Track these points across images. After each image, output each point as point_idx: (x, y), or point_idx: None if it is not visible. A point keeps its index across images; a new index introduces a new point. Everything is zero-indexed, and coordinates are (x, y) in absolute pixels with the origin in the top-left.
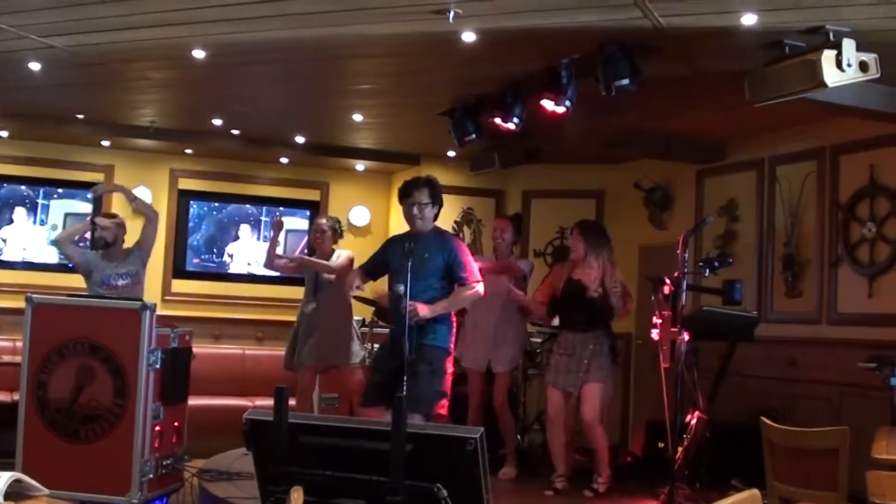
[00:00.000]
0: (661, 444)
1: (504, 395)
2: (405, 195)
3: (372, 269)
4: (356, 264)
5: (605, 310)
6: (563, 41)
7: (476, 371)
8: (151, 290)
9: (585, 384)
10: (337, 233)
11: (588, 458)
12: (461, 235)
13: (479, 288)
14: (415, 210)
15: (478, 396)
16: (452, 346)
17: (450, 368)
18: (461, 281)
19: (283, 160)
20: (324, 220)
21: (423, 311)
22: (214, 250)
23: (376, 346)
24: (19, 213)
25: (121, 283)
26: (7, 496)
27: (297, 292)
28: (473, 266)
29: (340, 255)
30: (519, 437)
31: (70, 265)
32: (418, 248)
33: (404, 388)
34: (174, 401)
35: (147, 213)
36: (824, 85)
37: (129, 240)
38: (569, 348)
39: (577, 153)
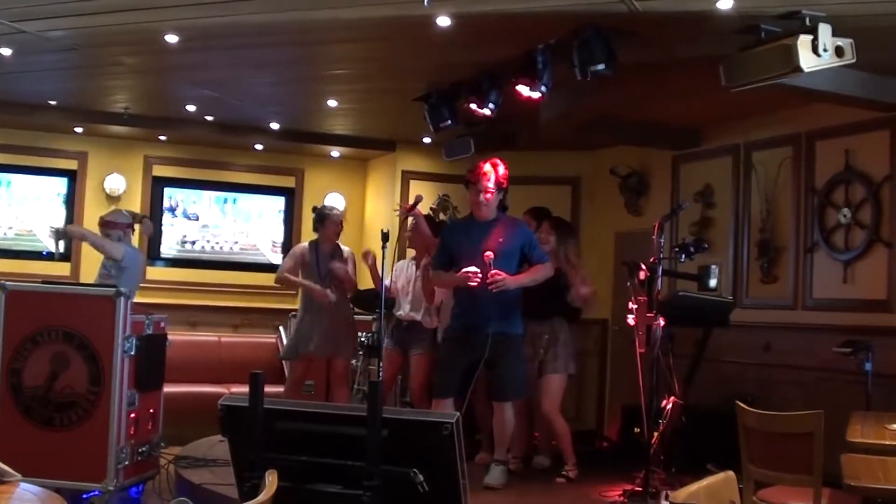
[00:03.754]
0: (636, 429)
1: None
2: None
3: (448, 263)
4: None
5: (563, 299)
6: (538, 26)
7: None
8: None
9: (544, 374)
10: None
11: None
12: (437, 221)
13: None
14: (481, 197)
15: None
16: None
17: None
18: (540, 259)
19: (258, 147)
20: (338, 212)
21: (510, 280)
22: (189, 237)
23: (360, 333)
24: None
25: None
26: None
27: (273, 280)
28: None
29: (346, 252)
30: None
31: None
32: (492, 232)
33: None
34: (149, 388)
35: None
36: (800, 70)
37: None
38: (528, 337)
39: (553, 139)
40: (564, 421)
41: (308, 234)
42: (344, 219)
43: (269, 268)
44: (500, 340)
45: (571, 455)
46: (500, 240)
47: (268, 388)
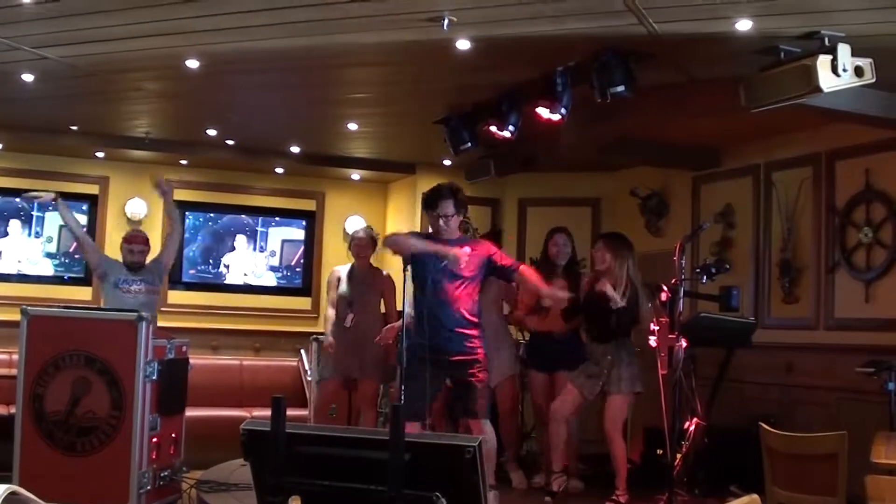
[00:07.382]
0: (659, 451)
1: (513, 401)
2: (431, 206)
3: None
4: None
5: (628, 320)
6: (557, 48)
7: None
8: None
9: (609, 395)
10: (374, 242)
11: (587, 465)
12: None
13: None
14: (441, 222)
15: None
16: None
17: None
18: (517, 264)
19: (279, 170)
20: (362, 232)
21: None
22: (210, 261)
23: None
24: (14, 225)
25: (134, 287)
26: None
27: (295, 303)
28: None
29: (379, 279)
30: None
31: (67, 278)
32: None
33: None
34: (171, 412)
35: (173, 218)
36: (820, 90)
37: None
38: (594, 357)
39: (573, 161)
40: (623, 444)
41: (328, 257)
42: (366, 238)
43: (290, 291)
44: (463, 363)
45: (624, 480)
46: (466, 259)
47: (290, 412)
